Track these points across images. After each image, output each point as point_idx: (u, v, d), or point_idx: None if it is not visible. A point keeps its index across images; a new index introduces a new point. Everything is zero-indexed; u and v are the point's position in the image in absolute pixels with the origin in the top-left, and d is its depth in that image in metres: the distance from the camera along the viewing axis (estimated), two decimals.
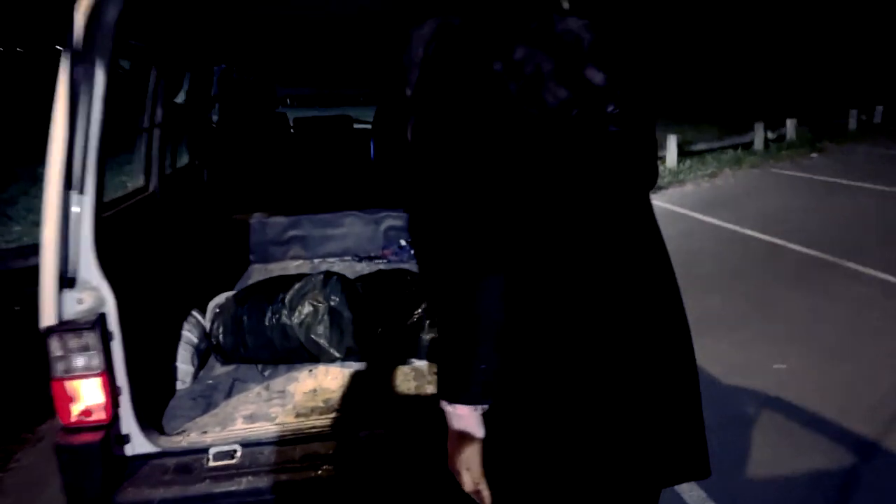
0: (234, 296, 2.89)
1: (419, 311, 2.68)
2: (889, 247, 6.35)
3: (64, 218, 2.01)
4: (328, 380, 2.58)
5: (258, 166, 4.79)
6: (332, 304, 2.66)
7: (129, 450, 2.14)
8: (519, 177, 1.14)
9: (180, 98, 3.95)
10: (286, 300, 2.68)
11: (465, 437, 1.15)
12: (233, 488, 2.05)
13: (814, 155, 12.82)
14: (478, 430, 1.15)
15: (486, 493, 1.18)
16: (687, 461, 1.34)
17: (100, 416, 2.05)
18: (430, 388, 2.49)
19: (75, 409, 2.05)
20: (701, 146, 12.85)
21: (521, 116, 1.14)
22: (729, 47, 28.28)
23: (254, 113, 5.23)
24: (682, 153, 12.14)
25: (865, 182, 9.72)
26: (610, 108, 1.21)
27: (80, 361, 2.03)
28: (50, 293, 2.02)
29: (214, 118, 4.87)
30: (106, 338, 2.06)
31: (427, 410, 2.17)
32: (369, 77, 5.94)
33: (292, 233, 4.36)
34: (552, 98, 1.15)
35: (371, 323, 2.68)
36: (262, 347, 2.69)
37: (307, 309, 2.65)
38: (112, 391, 2.07)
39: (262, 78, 5.69)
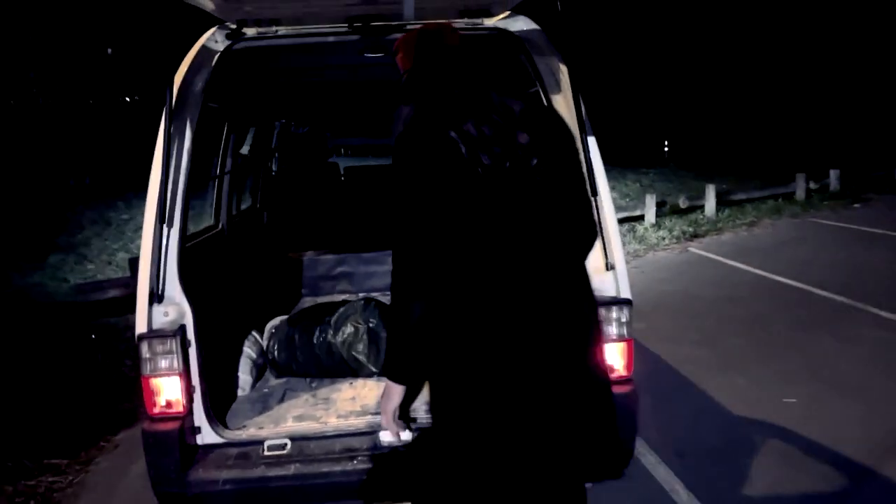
0: (288, 318, 3.35)
1: None
2: None
3: (157, 246, 2.49)
4: (365, 390, 3.00)
5: (312, 210, 5.32)
6: (371, 325, 3.09)
7: (200, 439, 2.58)
8: (455, 224, 1.63)
9: (245, 149, 4.51)
10: (331, 322, 3.12)
11: (390, 398, 1.81)
12: (283, 473, 2.45)
13: (856, 205, 12.86)
14: (396, 397, 1.80)
15: (395, 429, 1.87)
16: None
17: (178, 409, 2.49)
18: None
19: (158, 402, 2.50)
20: (741, 196, 13.04)
21: (468, 172, 1.60)
22: (775, 99, 28.36)
23: (308, 163, 5.78)
24: (723, 202, 12.36)
25: None
26: (534, 162, 1.67)
27: (163, 363, 2.48)
28: (143, 306, 2.48)
29: (274, 167, 5.43)
30: (185, 345, 2.51)
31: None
32: None
33: (340, 269, 4.83)
34: (491, 155, 1.63)
35: None
36: (310, 362, 3.13)
37: (349, 329, 3.09)
38: (188, 389, 2.51)
39: (317, 132, 6.26)
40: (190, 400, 2.53)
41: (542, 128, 1.74)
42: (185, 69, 2.64)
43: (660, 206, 11.74)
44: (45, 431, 4.21)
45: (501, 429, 1.68)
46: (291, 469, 2.46)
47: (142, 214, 8.91)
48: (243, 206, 4.46)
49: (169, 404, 2.50)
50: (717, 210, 11.86)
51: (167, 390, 2.50)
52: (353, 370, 3.10)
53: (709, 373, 4.82)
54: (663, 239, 10.13)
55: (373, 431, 2.59)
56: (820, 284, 7.04)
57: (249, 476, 2.45)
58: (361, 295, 4.79)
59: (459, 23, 2.87)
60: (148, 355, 2.47)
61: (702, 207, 11.98)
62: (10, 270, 9.77)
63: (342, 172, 6.18)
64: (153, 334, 2.47)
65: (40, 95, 22.08)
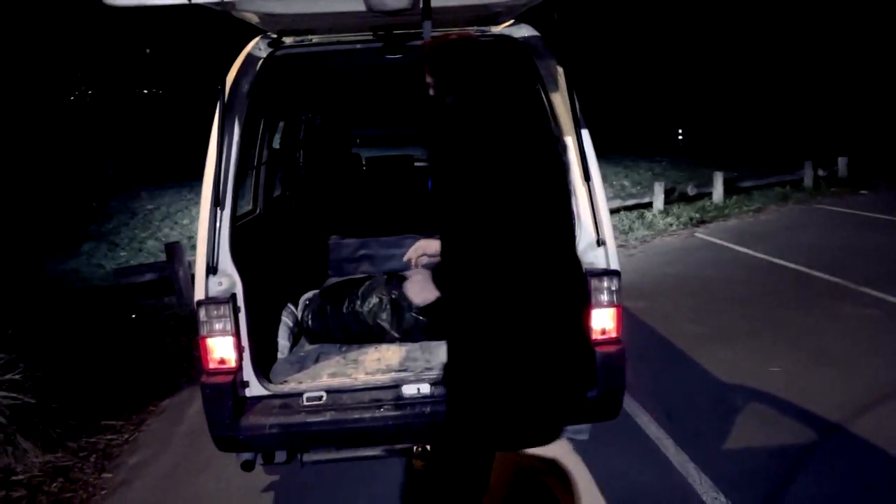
0: (320, 291, 3.78)
1: None
2: None
3: (212, 225, 2.92)
4: (389, 353, 3.42)
5: (336, 197, 5.74)
6: (393, 296, 3.51)
7: (249, 391, 3.01)
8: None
9: (276, 142, 4.93)
10: (359, 293, 3.55)
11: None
12: (320, 419, 2.88)
13: (863, 192, 13.11)
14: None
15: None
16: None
17: (230, 365, 2.92)
18: None
19: (214, 359, 2.93)
20: (749, 183, 13.33)
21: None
22: (786, 88, 28.42)
23: (333, 153, 6.20)
24: (731, 190, 12.66)
25: None
26: None
27: (218, 325, 2.90)
28: (201, 277, 2.91)
29: (301, 158, 5.85)
30: (235, 310, 2.93)
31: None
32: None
33: (363, 252, 5.25)
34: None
35: (422, 311, 3.51)
36: (340, 329, 3.56)
37: (374, 300, 3.51)
38: (238, 348, 2.94)
39: (339, 125, 6.68)
40: (240, 357, 2.95)
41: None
42: (234, 73, 3.06)
43: (669, 193, 12.06)
44: (100, 399, 4.68)
45: (504, 363, 2.11)
46: (327, 416, 2.89)
47: (166, 205, 9.57)
48: (275, 195, 4.88)
49: (223, 361, 2.92)
50: (725, 197, 12.17)
51: (221, 349, 2.92)
52: (378, 336, 3.52)
53: (703, 346, 5.21)
54: (671, 225, 10.47)
55: (396, 385, 3.00)
56: (815, 266, 7.39)
57: (292, 422, 2.88)
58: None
59: (470, 30, 3.26)
60: (205, 318, 2.89)
61: (710, 194, 12.29)
62: (46, 258, 10.29)
63: (364, 162, 6.61)
64: (209, 301, 2.89)
65: (88, 91, 22.71)
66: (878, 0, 25.56)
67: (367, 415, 2.89)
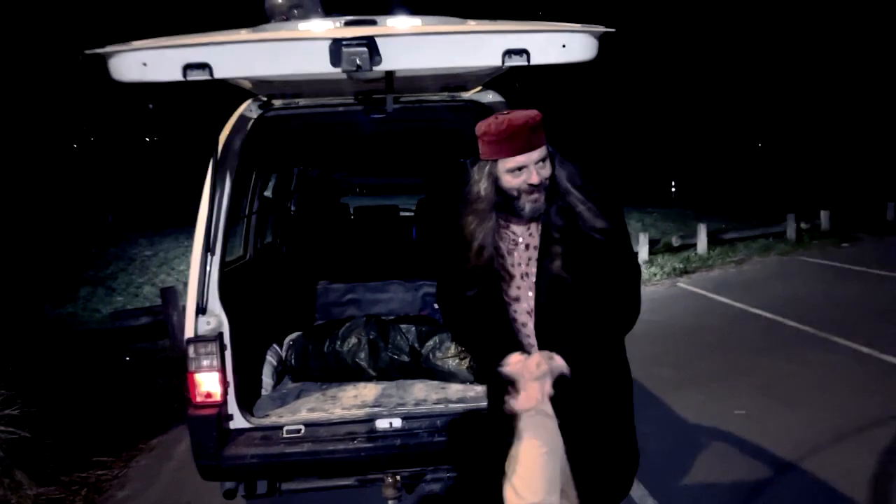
0: (303, 332, 4.03)
1: (431, 344, 3.75)
2: (879, 325, 7.08)
3: (203, 269, 3.19)
4: (366, 391, 3.66)
5: (324, 244, 6.03)
6: (371, 337, 3.76)
7: (232, 424, 3.23)
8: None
9: (268, 192, 5.23)
10: (339, 334, 3.80)
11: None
12: (297, 450, 3.10)
13: (844, 245, 13.44)
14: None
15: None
16: None
17: (216, 399, 3.15)
18: (434, 395, 3.53)
19: (201, 393, 3.16)
20: (733, 235, 13.68)
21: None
22: (775, 143, 29.13)
23: (322, 203, 6.51)
24: (715, 241, 13.00)
25: (883, 270, 10.37)
26: None
27: (205, 362, 3.15)
28: (191, 317, 3.16)
29: (292, 207, 6.16)
30: (222, 348, 3.18)
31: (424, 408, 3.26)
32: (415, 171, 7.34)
33: (349, 296, 5.50)
34: None
35: (397, 352, 3.76)
36: (321, 368, 3.80)
37: (353, 340, 3.76)
38: (224, 383, 3.17)
39: (329, 176, 7.01)
40: (225, 392, 3.19)
41: None
42: (227, 132, 3.37)
43: (654, 243, 12.39)
44: (93, 436, 4.87)
45: None
46: (305, 447, 3.11)
47: (164, 251, 9.89)
48: (267, 241, 5.17)
49: (209, 395, 3.16)
50: (709, 248, 12.50)
51: (207, 383, 3.16)
52: (356, 374, 3.76)
53: (674, 390, 5.43)
54: (655, 275, 10.77)
55: (370, 420, 3.23)
56: (790, 315, 7.65)
57: (271, 452, 3.10)
58: None
59: (442, 95, 3.60)
60: (193, 355, 3.14)
61: (695, 245, 12.62)
62: (44, 302, 10.53)
63: (352, 212, 6.92)
64: (198, 339, 3.14)
65: (91, 139, 23.27)
66: (856, 56, 26.41)
67: (341, 446, 3.11)
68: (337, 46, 2.27)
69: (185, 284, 8.96)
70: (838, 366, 5.88)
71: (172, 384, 6.15)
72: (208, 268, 3.22)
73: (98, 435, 4.91)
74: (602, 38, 2.44)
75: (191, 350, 3.14)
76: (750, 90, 30.08)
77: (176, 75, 2.27)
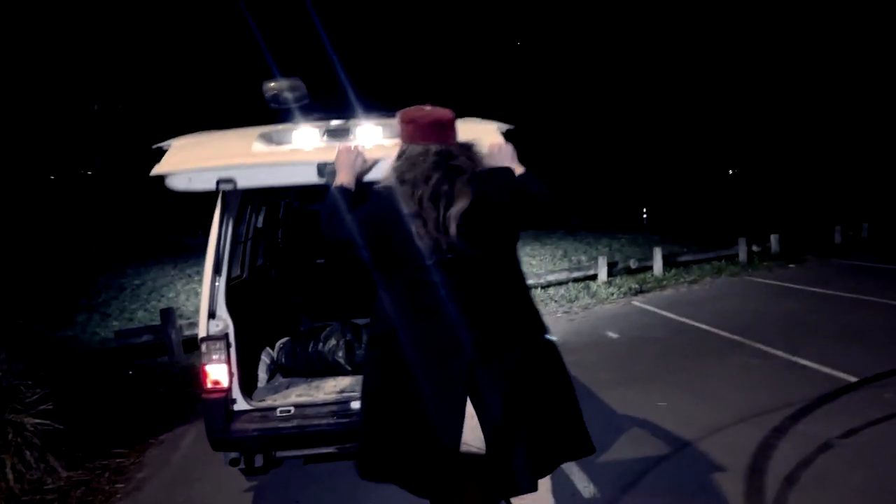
0: (291, 338, 4.89)
1: None
2: (801, 334, 8.03)
3: (213, 282, 4.05)
4: (344, 381, 4.52)
5: (308, 267, 6.90)
6: (347, 338, 4.63)
7: (236, 406, 4.07)
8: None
9: (259, 222, 6.10)
10: (321, 337, 4.67)
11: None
12: (288, 425, 3.95)
13: (791, 266, 14.48)
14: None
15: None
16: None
17: (223, 385, 4.00)
18: None
19: (211, 381, 4.00)
20: (687, 257, 14.70)
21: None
22: (734, 172, 30.48)
23: (305, 231, 7.39)
24: (671, 263, 14.00)
25: (822, 288, 11.37)
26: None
27: (215, 356, 3.99)
28: (204, 320, 4.02)
29: (280, 235, 7.02)
30: (228, 345, 4.03)
31: None
32: None
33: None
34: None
35: None
36: (307, 365, 4.65)
37: (332, 342, 4.63)
38: (230, 374, 4.02)
39: (311, 208, 7.89)
40: (230, 381, 4.03)
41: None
42: None
43: (613, 266, 13.37)
44: (108, 433, 5.67)
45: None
46: (294, 423, 3.95)
47: (152, 280, 10.82)
48: (258, 263, 6.03)
49: (217, 382, 4.00)
50: (665, 270, 13.48)
51: (217, 373, 4.00)
52: (335, 369, 4.63)
53: (610, 388, 6.32)
54: (612, 294, 11.71)
55: (346, 401, 4.09)
56: (726, 327, 8.59)
57: (268, 427, 3.94)
58: None
59: None
60: (205, 350, 3.99)
61: (651, 267, 13.60)
62: (43, 326, 11.24)
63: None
64: (209, 337, 4.00)
65: (100, 174, 24.01)
66: (811, 83, 27.85)
67: (323, 421, 3.96)
68: (322, 166, 3.30)
69: (177, 309, 9.76)
70: (754, 367, 6.80)
71: (174, 393, 6.96)
72: (217, 282, 4.08)
73: (113, 432, 5.71)
74: None
75: (203, 346, 3.99)
76: (711, 115, 31.51)
77: (211, 187, 3.34)
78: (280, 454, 4.17)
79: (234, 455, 4.08)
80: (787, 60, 29.13)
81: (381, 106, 4.03)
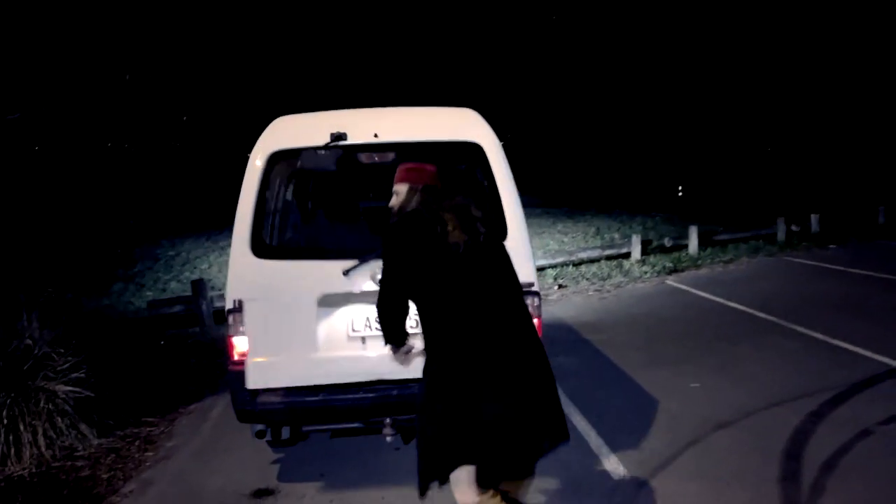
0: None
1: None
2: (841, 316, 7.80)
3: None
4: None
5: (336, 237, 6.86)
6: None
7: None
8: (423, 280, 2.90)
9: (288, 195, 6.06)
10: None
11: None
12: (314, 399, 3.90)
13: (832, 246, 14.11)
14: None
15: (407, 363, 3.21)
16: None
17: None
18: None
19: (237, 353, 3.98)
20: (723, 236, 14.39)
21: (444, 249, 2.88)
22: (773, 148, 29.73)
23: (335, 204, 7.34)
24: (706, 242, 13.72)
25: (862, 269, 11.06)
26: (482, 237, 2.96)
27: (241, 328, 3.97)
28: (229, 298, 3.98)
29: (309, 206, 6.98)
30: None
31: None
32: None
33: None
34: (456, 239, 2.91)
35: None
36: None
37: None
38: None
39: (342, 181, 7.84)
40: None
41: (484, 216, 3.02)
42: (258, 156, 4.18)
43: (647, 244, 13.14)
44: (139, 402, 5.73)
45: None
46: (320, 396, 3.92)
47: (186, 251, 10.94)
48: (287, 236, 5.99)
49: (244, 354, 3.97)
50: (700, 249, 13.22)
51: (243, 345, 3.98)
52: None
53: (641, 369, 6.21)
54: (646, 273, 11.52)
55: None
56: (763, 308, 8.39)
57: (293, 400, 3.91)
58: None
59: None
60: (232, 322, 3.97)
61: (686, 246, 13.35)
62: (82, 296, 11.44)
63: (360, 210, 7.74)
64: (237, 309, 3.97)
65: (125, 145, 24.33)
66: (851, 62, 26.94)
67: (349, 396, 3.92)
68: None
69: (209, 281, 9.86)
70: (791, 349, 6.62)
71: (204, 364, 7.01)
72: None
73: (144, 401, 5.77)
74: None
75: (230, 318, 3.96)
76: (750, 95, 30.71)
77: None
78: (306, 428, 4.15)
79: (260, 427, 4.07)
80: (826, 39, 28.18)
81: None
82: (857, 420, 4.72)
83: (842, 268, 11.37)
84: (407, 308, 3.00)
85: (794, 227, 15.12)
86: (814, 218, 15.44)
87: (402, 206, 3.14)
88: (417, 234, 2.93)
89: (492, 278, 2.95)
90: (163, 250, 16.65)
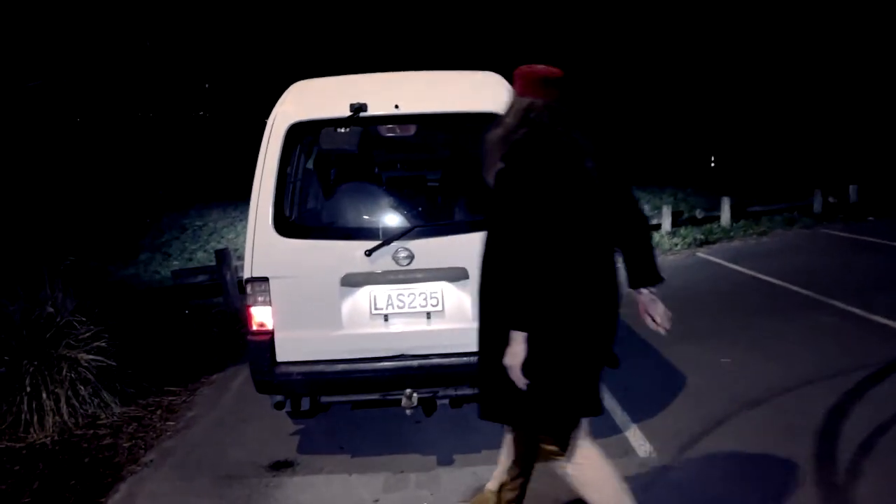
0: None
1: None
2: (880, 291, 7.53)
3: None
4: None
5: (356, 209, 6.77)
6: None
7: None
8: (553, 212, 2.49)
9: (309, 164, 5.96)
10: None
11: (514, 346, 2.51)
12: (333, 370, 3.83)
13: (870, 218, 13.69)
14: (521, 343, 2.50)
15: (520, 379, 2.55)
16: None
17: (268, 328, 3.90)
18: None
19: (255, 323, 3.91)
20: (758, 208, 14.03)
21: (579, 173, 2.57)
22: (807, 120, 28.91)
23: (358, 173, 7.23)
24: (738, 214, 13.39)
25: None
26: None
27: (260, 297, 3.88)
28: (249, 261, 3.90)
29: (332, 175, 6.88)
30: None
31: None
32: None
33: None
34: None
35: None
36: None
37: None
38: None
39: (366, 151, 7.72)
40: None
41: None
42: (275, 125, 4.06)
43: (678, 216, 12.86)
44: (161, 371, 5.72)
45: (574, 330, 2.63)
46: (339, 367, 3.84)
47: (213, 222, 10.90)
48: (309, 205, 5.90)
49: (262, 325, 3.90)
50: (733, 221, 12.91)
51: (262, 315, 3.90)
52: None
53: (671, 344, 5.98)
54: (676, 245, 11.28)
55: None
56: (797, 282, 8.14)
57: (312, 371, 3.84)
58: None
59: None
60: (251, 292, 3.88)
61: (718, 218, 13.04)
62: (109, 265, 11.55)
63: (384, 181, 7.63)
64: (255, 279, 3.88)
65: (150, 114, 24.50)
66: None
67: (368, 367, 3.84)
68: None
69: (236, 250, 9.86)
70: (828, 325, 6.40)
71: (227, 334, 7.00)
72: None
73: (166, 370, 5.76)
74: None
75: (249, 288, 3.88)
76: (786, 61, 29.81)
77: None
78: (325, 399, 4.08)
79: (278, 398, 4.01)
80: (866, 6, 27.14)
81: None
82: (895, 399, 4.53)
83: (881, 240, 11.01)
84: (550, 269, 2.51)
85: (831, 199, 14.69)
86: (852, 189, 14.99)
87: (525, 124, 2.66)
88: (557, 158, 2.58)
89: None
90: (189, 220, 16.74)
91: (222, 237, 14.44)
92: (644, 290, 2.81)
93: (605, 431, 4.27)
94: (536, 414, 2.70)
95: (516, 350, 2.51)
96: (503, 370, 2.57)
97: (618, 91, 31.99)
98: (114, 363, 4.94)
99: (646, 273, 2.78)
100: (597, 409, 2.79)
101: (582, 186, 2.57)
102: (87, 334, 4.93)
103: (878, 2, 26.27)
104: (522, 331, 2.50)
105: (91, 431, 4.65)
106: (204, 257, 12.27)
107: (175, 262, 12.03)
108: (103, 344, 4.91)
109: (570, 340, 2.62)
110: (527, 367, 2.54)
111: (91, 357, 4.84)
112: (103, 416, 4.85)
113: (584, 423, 2.82)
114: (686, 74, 32.20)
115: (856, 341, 5.85)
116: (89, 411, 4.82)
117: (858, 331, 6.18)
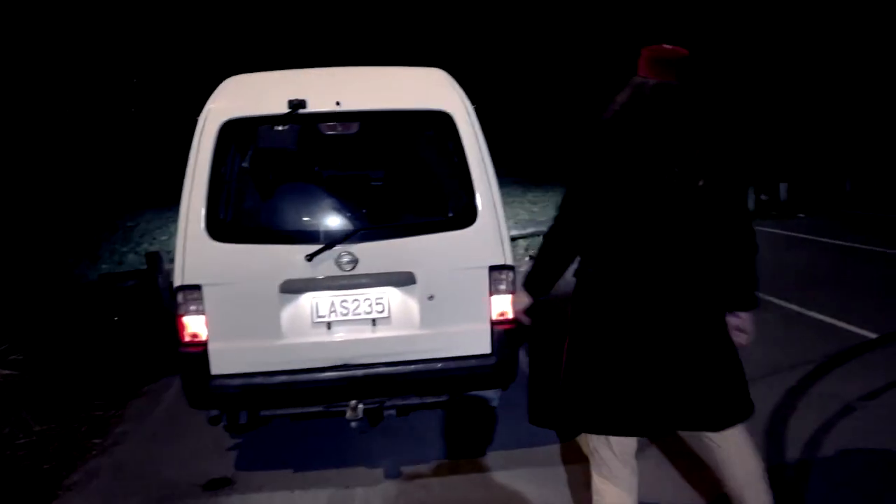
0: None
1: None
2: (813, 287, 7.72)
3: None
4: None
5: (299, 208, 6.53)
6: None
7: None
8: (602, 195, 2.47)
9: (245, 164, 5.70)
10: None
11: (519, 300, 2.84)
12: (272, 381, 3.61)
13: (801, 215, 14.13)
14: (525, 301, 2.81)
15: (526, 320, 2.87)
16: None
17: (202, 339, 3.65)
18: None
19: (187, 333, 3.66)
20: None
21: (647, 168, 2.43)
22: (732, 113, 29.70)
23: (297, 172, 6.99)
24: None
25: (831, 238, 11.05)
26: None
27: (192, 306, 3.64)
28: (179, 267, 3.65)
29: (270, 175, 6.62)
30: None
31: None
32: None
33: None
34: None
35: None
36: None
37: None
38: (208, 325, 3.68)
39: (306, 149, 7.48)
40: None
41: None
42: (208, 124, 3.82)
43: None
44: (88, 383, 5.37)
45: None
46: (279, 379, 3.63)
47: (146, 222, 10.34)
48: (247, 204, 5.65)
49: (195, 335, 3.64)
50: None
51: (195, 325, 3.64)
52: None
53: None
54: None
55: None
56: None
57: (251, 383, 3.62)
58: None
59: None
60: (182, 300, 3.63)
61: None
62: (33, 269, 10.93)
63: (324, 179, 7.39)
64: (186, 286, 3.63)
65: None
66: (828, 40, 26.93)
67: (310, 378, 3.65)
68: None
69: (168, 252, 9.45)
70: (767, 322, 6.48)
71: (158, 341, 6.65)
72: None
73: (93, 383, 5.42)
74: None
75: (180, 296, 3.63)
76: (724, 64, 30.65)
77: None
78: (265, 412, 3.86)
79: (214, 413, 3.77)
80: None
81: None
82: (837, 396, 4.59)
83: (813, 237, 11.35)
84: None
85: (763, 197, 15.11)
86: (782, 187, 15.45)
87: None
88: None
89: None
90: (121, 220, 16.05)
91: (154, 238, 13.88)
92: (740, 314, 2.75)
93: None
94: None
95: (518, 299, 2.88)
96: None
97: (559, 91, 32.18)
98: (31, 377, 4.60)
99: (741, 297, 2.74)
100: (640, 431, 2.68)
101: (647, 182, 2.43)
102: (2, 347, 4.58)
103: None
104: (525, 288, 2.79)
105: (8, 452, 4.30)
106: (135, 260, 11.74)
107: (104, 266, 11.46)
108: (19, 357, 4.57)
109: (613, 343, 2.54)
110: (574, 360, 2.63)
111: (6, 372, 4.50)
112: (21, 435, 4.50)
113: (630, 449, 2.70)
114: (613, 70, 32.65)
115: (795, 338, 5.96)
116: (5, 431, 4.47)
117: (795, 327, 6.30)
